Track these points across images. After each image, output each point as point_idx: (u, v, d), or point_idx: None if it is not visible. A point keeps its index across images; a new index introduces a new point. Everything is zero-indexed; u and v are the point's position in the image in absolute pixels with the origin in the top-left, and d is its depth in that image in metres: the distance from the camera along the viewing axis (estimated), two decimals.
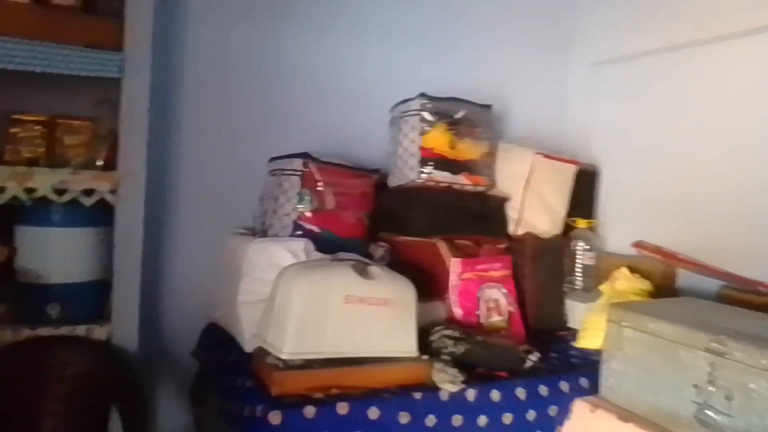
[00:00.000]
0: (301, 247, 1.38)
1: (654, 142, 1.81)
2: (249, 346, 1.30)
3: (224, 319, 1.46)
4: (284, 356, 1.12)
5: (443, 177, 1.62)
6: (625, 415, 1.07)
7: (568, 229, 1.79)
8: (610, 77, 1.98)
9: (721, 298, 1.44)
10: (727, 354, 0.92)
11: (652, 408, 1.04)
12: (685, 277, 1.65)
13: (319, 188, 1.49)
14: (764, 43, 1.52)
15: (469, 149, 1.67)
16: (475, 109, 1.68)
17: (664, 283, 1.62)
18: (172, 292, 1.62)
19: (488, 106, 1.72)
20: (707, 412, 0.94)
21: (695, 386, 0.96)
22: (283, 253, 1.35)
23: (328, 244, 1.41)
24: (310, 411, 1.06)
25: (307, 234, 1.46)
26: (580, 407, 1.15)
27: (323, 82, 1.75)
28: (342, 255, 1.32)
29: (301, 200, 1.48)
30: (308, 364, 1.13)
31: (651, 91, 1.84)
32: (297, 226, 1.48)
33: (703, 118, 1.68)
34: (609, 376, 1.14)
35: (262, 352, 1.19)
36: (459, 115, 1.64)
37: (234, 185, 1.64)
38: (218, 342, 1.46)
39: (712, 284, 1.53)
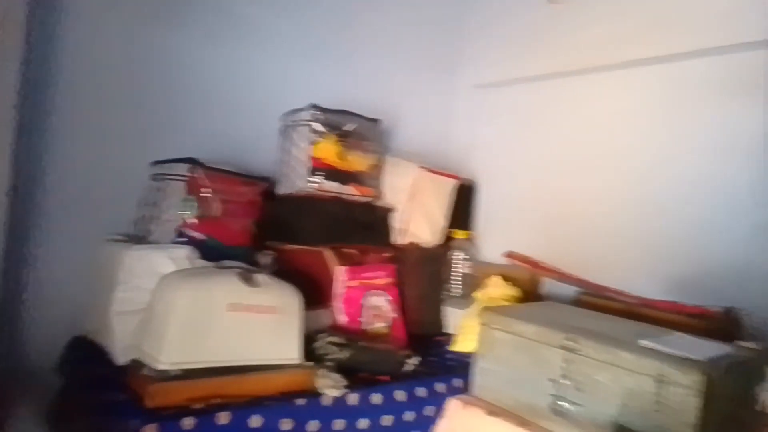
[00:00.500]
0: (183, 254, 1.34)
1: (527, 161, 1.98)
2: (122, 359, 1.23)
3: (95, 331, 1.37)
4: (162, 366, 1.09)
5: (332, 187, 1.65)
6: (493, 410, 1.16)
7: (447, 239, 1.90)
8: (492, 99, 2.14)
9: (577, 303, 1.61)
10: (579, 350, 1.04)
11: (516, 402, 1.14)
12: (548, 284, 1.82)
13: (205, 194, 1.46)
14: (626, 77, 1.72)
15: (357, 161, 1.72)
16: (364, 123, 1.74)
17: (530, 289, 1.78)
18: (37, 303, 1.49)
19: (377, 121, 1.79)
20: (561, 402, 1.05)
21: (551, 380, 1.07)
22: (164, 260, 1.30)
23: (212, 252, 1.38)
24: (188, 422, 1.04)
25: (191, 241, 1.42)
26: (453, 405, 1.23)
27: (212, 89, 1.72)
28: (227, 263, 1.30)
29: (185, 206, 1.44)
30: (188, 374, 1.10)
31: (527, 114, 2.01)
32: (180, 233, 1.43)
33: (570, 141, 1.86)
34: (480, 375, 1.23)
35: (137, 364, 1.14)
36: (349, 127, 1.69)
37: (111, 190, 1.54)
38: (86, 355, 1.36)
39: (571, 290, 1.71)
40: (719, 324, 1.29)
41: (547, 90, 1.95)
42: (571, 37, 1.84)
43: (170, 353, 1.10)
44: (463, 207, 1.97)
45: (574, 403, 1.03)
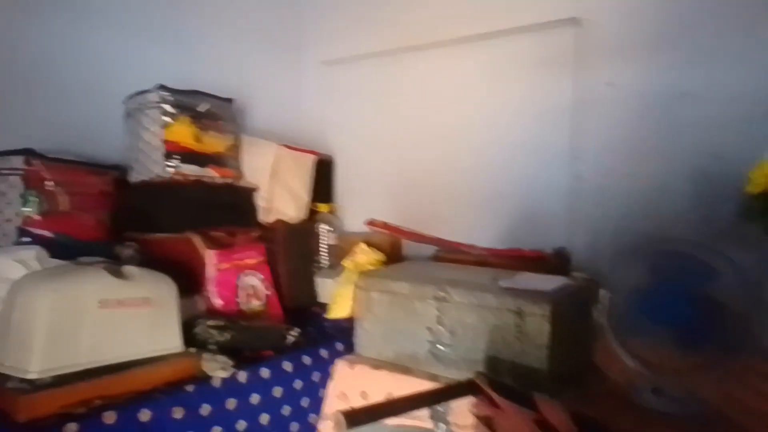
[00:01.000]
0: (32, 255, 1.22)
1: (378, 134, 2.09)
2: None
3: None
4: (31, 376, 1.00)
5: (190, 170, 1.60)
6: (378, 364, 1.26)
7: (312, 214, 1.95)
8: (340, 76, 2.20)
9: (436, 260, 1.78)
10: (449, 299, 1.17)
11: (398, 354, 1.25)
12: (408, 246, 1.97)
13: (48, 188, 1.33)
14: (459, 53, 1.88)
15: (214, 142, 1.68)
16: (217, 103, 1.69)
17: (393, 252, 1.91)
18: None
19: (230, 100, 1.75)
20: (438, 346, 1.18)
21: (428, 329, 1.20)
22: (10, 264, 1.18)
23: (65, 250, 1.27)
24: (71, 429, 0.98)
25: (38, 240, 1.29)
26: (340, 367, 1.31)
27: (46, 72, 1.54)
28: (84, 260, 1.22)
29: (26, 203, 1.30)
30: (62, 380, 1.03)
31: (374, 90, 2.11)
32: (23, 233, 1.30)
33: (415, 114, 1.99)
34: (362, 336, 1.32)
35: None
36: (202, 108, 1.64)
37: None
38: None
39: (428, 249, 1.87)
40: (554, 262, 1.53)
41: (392, 66, 2.06)
42: (410, 14, 1.97)
43: (39, 361, 1.01)
44: (323, 181, 2.03)
45: (449, 346, 1.17)
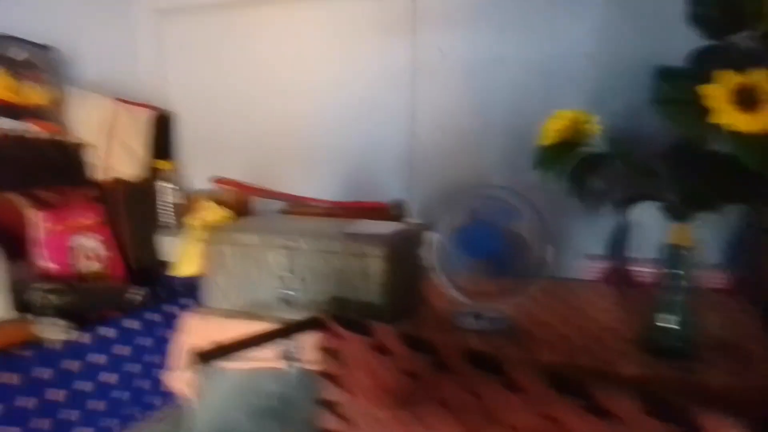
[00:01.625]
0: None
1: (221, 90, 2.03)
2: None
3: None
4: None
5: (6, 124, 1.46)
6: (229, 314, 1.31)
7: (152, 171, 1.88)
8: (177, 26, 2.09)
9: (283, 213, 1.84)
10: (298, 247, 1.25)
11: (251, 303, 1.31)
12: (257, 203, 2.00)
13: None
14: (303, 10, 1.88)
15: (33, 94, 1.54)
16: (36, 51, 1.54)
17: (240, 209, 1.92)
18: None
19: (50, 48, 1.60)
20: (288, 293, 1.26)
21: (279, 277, 1.27)
22: None
23: None
24: None
25: None
26: (190, 319, 1.33)
27: None
28: None
29: None
30: None
31: (215, 42, 2.03)
32: None
33: (259, 70, 1.98)
34: (214, 289, 1.35)
35: None
36: (18, 56, 1.48)
37: None
38: None
39: (276, 206, 1.92)
40: (392, 212, 1.68)
41: (234, 18, 2.00)
42: None
43: None
44: (163, 138, 1.95)
45: (299, 291, 1.26)
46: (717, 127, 0.82)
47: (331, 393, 1.03)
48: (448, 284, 1.21)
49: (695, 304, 1.04)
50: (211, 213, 1.77)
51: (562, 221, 1.55)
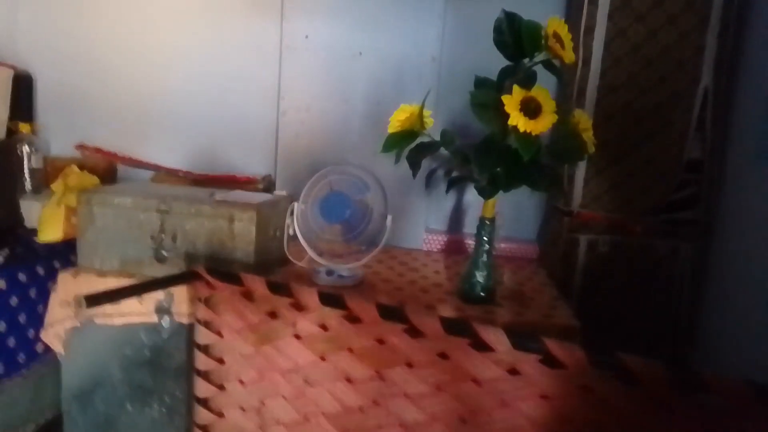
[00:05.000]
0: None
1: (84, 50, 2.00)
2: None
3: None
4: None
5: None
6: (103, 273, 1.40)
7: (10, 133, 1.84)
8: None
9: (154, 181, 1.91)
10: (170, 210, 1.37)
11: (123, 262, 1.40)
12: (124, 170, 2.03)
13: None
14: None
15: None
16: None
17: (106, 176, 1.95)
18: None
19: None
20: (161, 251, 1.38)
21: (152, 237, 1.38)
22: None
23: None
24: None
25: None
26: (63, 277, 1.39)
27: None
28: None
29: None
30: None
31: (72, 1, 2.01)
32: None
33: (125, 31, 1.98)
34: (85, 249, 1.42)
35: None
36: None
37: None
38: None
39: (144, 174, 1.98)
40: (262, 184, 1.84)
41: None
42: None
43: None
44: (22, 99, 1.90)
45: (171, 250, 1.38)
46: (511, 128, 1.11)
47: (204, 337, 1.19)
48: (307, 247, 1.42)
49: (498, 265, 1.35)
50: (75, 178, 1.79)
51: (408, 199, 1.82)
